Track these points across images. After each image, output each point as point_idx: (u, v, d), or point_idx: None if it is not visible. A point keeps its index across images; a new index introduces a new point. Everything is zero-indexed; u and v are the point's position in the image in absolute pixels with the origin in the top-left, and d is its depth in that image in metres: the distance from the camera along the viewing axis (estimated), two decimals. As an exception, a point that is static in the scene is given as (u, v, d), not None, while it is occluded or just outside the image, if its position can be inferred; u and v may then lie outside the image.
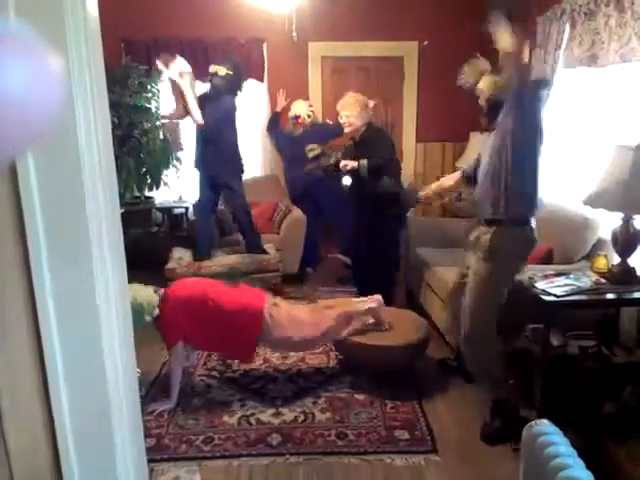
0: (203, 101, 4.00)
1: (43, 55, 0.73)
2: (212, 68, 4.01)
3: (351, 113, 3.59)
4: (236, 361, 3.23)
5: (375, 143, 3.59)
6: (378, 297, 3.07)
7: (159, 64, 3.98)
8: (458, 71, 2.57)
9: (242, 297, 2.86)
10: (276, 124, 4.98)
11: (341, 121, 3.69)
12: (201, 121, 3.94)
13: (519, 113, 2.22)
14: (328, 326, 2.88)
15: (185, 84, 3.91)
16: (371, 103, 3.76)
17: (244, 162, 4.26)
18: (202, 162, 4.12)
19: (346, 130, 3.69)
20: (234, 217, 4.55)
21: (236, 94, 4.10)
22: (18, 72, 0.68)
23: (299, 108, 4.72)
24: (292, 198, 4.89)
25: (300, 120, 4.67)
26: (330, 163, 3.74)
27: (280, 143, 4.95)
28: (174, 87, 4.01)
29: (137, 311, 2.60)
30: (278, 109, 4.96)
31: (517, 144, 2.25)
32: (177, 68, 3.94)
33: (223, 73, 3.96)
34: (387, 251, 3.74)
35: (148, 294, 2.74)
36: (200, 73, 4.48)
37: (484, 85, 2.48)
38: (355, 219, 3.86)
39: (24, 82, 0.69)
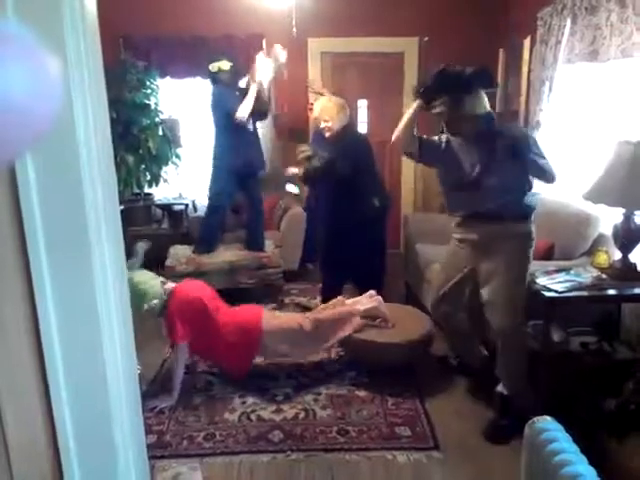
0: (224, 95, 3.97)
1: (41, 57, 0.72)
2: (214, 67, 3.97)
3: (330, 117, 3.51)
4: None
5: (348, 145, 3.50)
6: (377, 296, 3.06)
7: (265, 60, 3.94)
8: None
9: (240, 316, 2.89)
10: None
11: (321, 126, 3.59)
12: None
13: None
14: (325, 334, 2.92)
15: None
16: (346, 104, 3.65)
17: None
18: (233, 153, 4.04)
19: (327, 135, 3.58)
20: (240, 211, 4.54)
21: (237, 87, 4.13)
22: (15, 74, 0.67)
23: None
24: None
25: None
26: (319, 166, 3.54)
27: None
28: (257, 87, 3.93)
29: (138, 295, 2.59)
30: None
31: None
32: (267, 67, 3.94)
33: (227, 67, 3.98)
34: (376, 239, 3.66)
35: (154, 284, 2.74)
36: (200, 70, 4.48)
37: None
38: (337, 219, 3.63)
39: (22, 85, 0.68)
